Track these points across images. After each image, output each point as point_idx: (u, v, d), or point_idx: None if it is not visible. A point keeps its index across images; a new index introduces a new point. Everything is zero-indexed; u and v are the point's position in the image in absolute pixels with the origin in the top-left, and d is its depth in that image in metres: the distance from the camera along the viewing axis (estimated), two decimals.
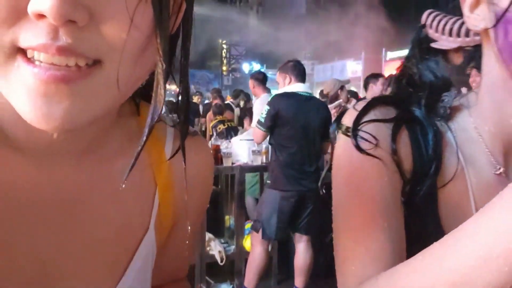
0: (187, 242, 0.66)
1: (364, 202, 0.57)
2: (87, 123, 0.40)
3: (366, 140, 0.59)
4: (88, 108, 0.40)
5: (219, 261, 3.38)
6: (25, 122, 0.39)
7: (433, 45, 0.68)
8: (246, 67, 16.87)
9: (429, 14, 0.69)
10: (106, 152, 0.54)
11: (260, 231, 3.17)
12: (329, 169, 0.66)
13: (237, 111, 7.06)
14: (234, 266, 3.50)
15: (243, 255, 3.50)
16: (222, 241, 3.64)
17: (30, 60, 0.37)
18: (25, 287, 0.49)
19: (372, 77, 4.51)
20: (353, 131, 0.60)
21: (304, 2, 13.30)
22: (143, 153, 0.47)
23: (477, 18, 0.60)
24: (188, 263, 0.76)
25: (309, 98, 3.27)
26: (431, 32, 0.68)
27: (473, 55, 0.69)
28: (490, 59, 0.61)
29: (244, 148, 3.95)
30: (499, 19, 0.54)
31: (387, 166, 0.58)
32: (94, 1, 0.37)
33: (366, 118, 0.61)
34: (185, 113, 0.51)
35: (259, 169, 3.74)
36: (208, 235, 3.45)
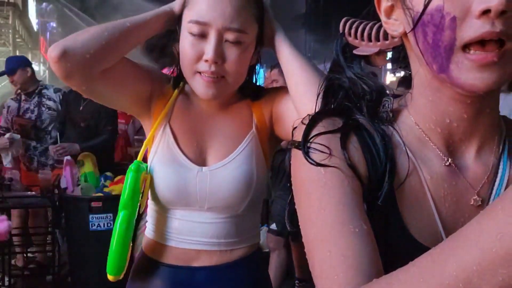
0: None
1: (330, 212, 0.56)
2: None
3: (320, 151, 0.59)
4: None
5: None
6: None
7: (355, 51, 0.69)
8: None
9: (346, 21, 0.71)
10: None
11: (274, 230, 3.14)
12: None
13: None
14: None
15: None
16: None
17: None
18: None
19: None
20: (304, 145, 0.60)
21: (304, 2, 13.31)
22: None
23: (394, 23, 0.62)
24: None
25: None
26: (350, 40, 0.70)
27: (397, 57, 0.72)
28: (414, 61, 0.64)
29: None
30: (416, 23, 0.56)
31: (345, 173, 0.58)
32: None
33: (314, 131, 0.61)
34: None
35: None
36: None
